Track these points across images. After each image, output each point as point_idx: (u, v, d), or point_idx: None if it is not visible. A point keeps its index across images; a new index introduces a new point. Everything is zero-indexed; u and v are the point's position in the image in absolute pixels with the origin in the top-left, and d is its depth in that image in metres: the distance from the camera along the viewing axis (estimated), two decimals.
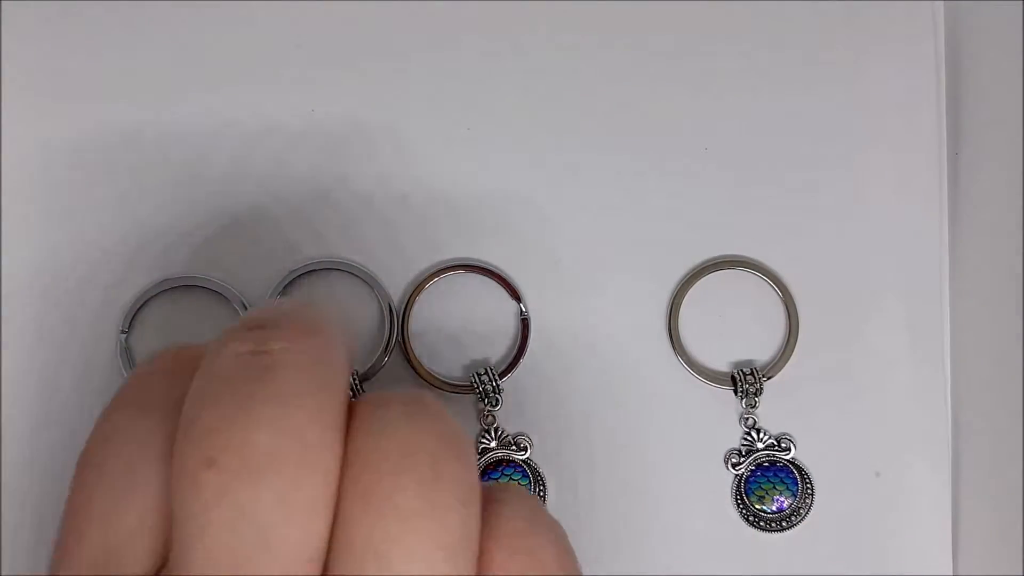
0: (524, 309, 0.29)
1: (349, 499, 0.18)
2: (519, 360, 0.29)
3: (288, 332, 0.19)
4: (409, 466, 0.18)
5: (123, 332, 0.28)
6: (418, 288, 0.29)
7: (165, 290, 0.28)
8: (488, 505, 0.19)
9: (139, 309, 0.28)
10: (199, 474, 0.17)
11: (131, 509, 0.18)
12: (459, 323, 0.29)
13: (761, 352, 0.30)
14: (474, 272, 0.29)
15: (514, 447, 0.29)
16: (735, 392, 0.29)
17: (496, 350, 0.29)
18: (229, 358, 0.19)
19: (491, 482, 0.27)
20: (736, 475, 0.29)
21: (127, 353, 0.28)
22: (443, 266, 0.29)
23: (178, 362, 0.20)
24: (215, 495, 0.17)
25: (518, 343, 0.29)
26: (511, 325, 0.29)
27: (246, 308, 0.28)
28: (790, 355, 0.29)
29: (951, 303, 0.30)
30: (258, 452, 0.17)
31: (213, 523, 0.17)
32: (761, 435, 0.29)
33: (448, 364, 0.29)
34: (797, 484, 0.29)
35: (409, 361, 0.29)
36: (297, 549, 0.17)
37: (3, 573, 0.28)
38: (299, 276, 0.29)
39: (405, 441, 0.18)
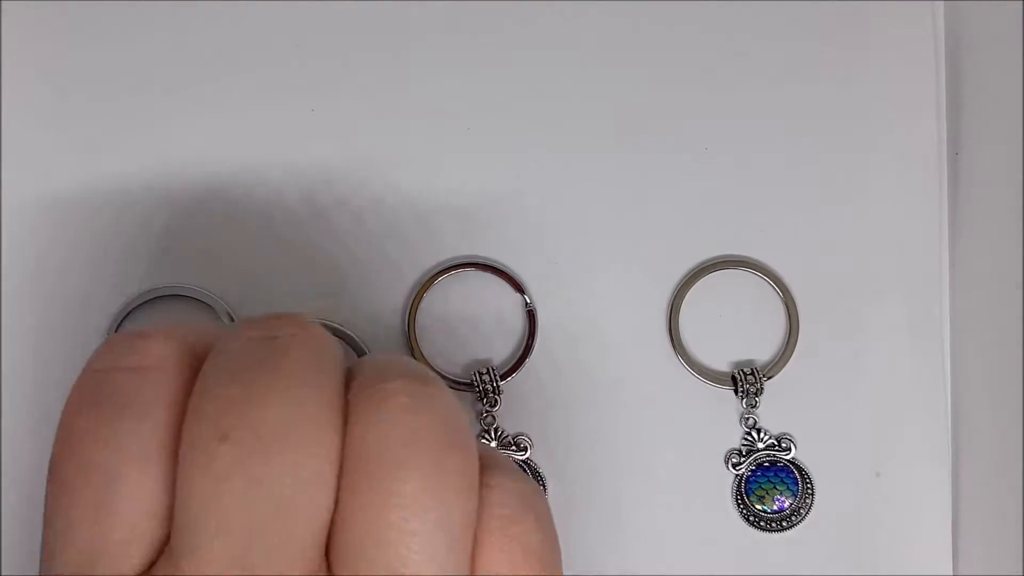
0: (529, 300, 0.29)
1: (352, 485, 0.18)
2: (529, 352, 0.29)
3: (295, 321, 0.20)
4: (412, 457, 0.18)
5: None
6: (424, 287, 0.29)
7: (151, 299, 0.28)
8: (479, 489, 0.20)
9: (126, 317, 0.28)
10: (212, 448, 0.18)
11: (115, 513, 0.18)
12: (466, 321, 0.29)
13: (761, 352, 0.30)
14: (477, 269, 0.29)
15: (514, 447, 0.29)
16: (735, 392, 0.29)
17: (503, 347, 0.29)
18: (241, 341, 0.19)
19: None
20: (736, 475, 0.29)
21: None
22: (447, 265, 0.29)
23: (134, 356, 0.20)
24: (229, 467, 0.18)
25: (526, 335, 0.29)
26: (518, 321, 0.29)
27: (232, 317, 0.28)
28: (790, 355, 0.29)
29: (951, 303, 0.30)
30: (270, 427, 0.18)
31: (227, 493, 0.18)
32: (761, 435, 0.29)
33: (455, 363, 0.29)
34: (797, 484, 0.29)
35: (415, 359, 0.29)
36: (306, 519, 0.18)
37: (3, 573, 0.28)
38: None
39: (409, 432, 0.19)
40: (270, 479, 0.18)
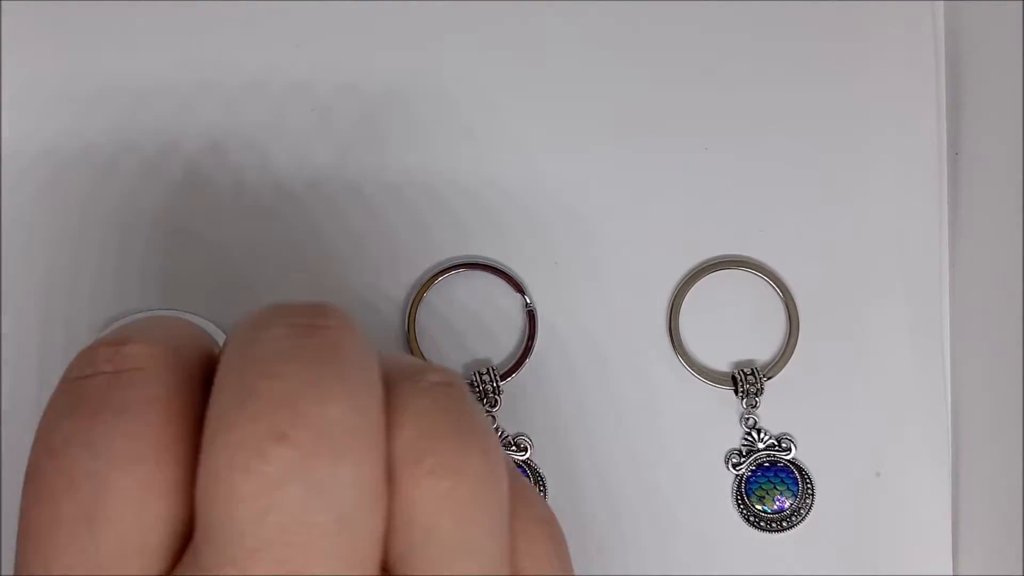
0: (529, 300, 0.29)
1: (411, 476, 0.18)
2: (529, 352, 0.29)
3: (336, 311, 0.19)
4: (470, 440, 0.18)
5: None
6: (424, 287, 0.29)
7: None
8: None
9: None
10: (267, 449, 0.16)
11: (104, 523, 0.17)
12: (466, 321, 0.29)
13: (761, 352, 0.30)
14: (477, 269, 0.29)
15: (514, 448, 0.29)
16: (735, 392, 0.29)
17: (503, 347, 0.29)
18: (283, 330, 0.18)
19: None
20: (737, 475, 0.29)
21: None
22: (447, 264, 0.29)
23: (112, 360, 0.18)
24: (287, 471, 0.16)
25: (526, 335, 0.29)
26: (518, 321, 0.29)
27: None
28: (790, 355, 0.29)
29: (951, 303, 0.30)
30: (334, 427, 0.17)
31: (286, 500, 0.16)
32: (762, 435, 0.29)
33: (455, 363, 0.29)
34: (797, 484, 0.29)
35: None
36: (370, 527, 0.17)
37: (3, 573, 0.28)
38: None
39: (459, 417, 0.18)
40: (335, 485, 0.16)
